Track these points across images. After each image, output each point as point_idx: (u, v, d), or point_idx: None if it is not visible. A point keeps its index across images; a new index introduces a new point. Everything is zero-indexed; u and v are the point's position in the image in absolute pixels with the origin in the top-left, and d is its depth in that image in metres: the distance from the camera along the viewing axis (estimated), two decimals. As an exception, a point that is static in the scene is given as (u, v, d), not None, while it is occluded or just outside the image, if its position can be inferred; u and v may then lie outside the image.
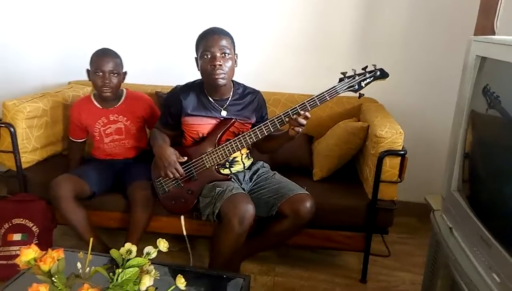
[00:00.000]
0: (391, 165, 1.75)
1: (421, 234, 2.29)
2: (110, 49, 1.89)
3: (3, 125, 1.89)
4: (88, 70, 1.89)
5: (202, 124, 1.73)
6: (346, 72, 1.60)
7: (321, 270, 2.02)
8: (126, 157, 2.00)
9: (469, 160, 1.25)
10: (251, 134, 1.65)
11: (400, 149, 1.75)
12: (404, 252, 2.18)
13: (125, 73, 1.94)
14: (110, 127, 1.94)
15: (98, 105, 1.94)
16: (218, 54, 1.60)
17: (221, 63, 1.60)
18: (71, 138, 2.01)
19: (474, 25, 1.86)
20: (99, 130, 1.94)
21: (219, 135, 1.71)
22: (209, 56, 1.61)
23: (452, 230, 1.27)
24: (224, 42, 1.61)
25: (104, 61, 1.83)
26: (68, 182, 1.76)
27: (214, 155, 1.71)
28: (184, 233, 1.81)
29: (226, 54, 1.62)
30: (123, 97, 1.97)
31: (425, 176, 2.27)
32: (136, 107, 1.96)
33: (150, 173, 1.84)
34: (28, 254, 1.02)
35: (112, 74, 1.84)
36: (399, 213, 2.02)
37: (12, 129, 1.88)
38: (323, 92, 1.59)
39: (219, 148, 1.70)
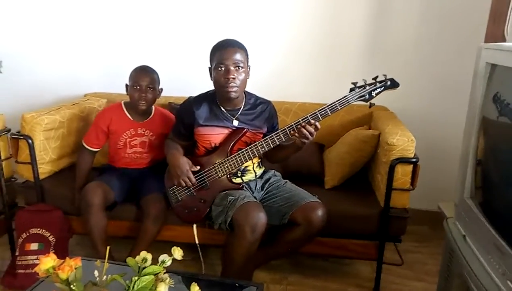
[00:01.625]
0: (403, 173, 1.75)
1: (435, 243, 2.27)
2: (149, 66, 1.98)
3: (21, 137, 1.95)
4: (126, 85, 1.96)
5: (215, 134, 1.76)
6: (357, 82, 1.62)
7: (334, 279, 2.01)
8: (142, 166, 2.04)
9: (481, 167, 1.25)
10: (262, 144, 1.67)
11: (412, 156, 1.75)
12: (417, 260, 2.16)
13: (161, 89, 2.01)
14: (136, 139, 2.00)
15: (129, 116, 2.00)
16: (232, 68, 1.63)
17: (234, 76, 1.63)
18: (86, 145, 1.99)
19: (485, 32, 1.87)
20: (125, 140, 1.99)
21: (231, 145, 1.74)
22: (223, 68, 1.64)
23: (466, 238, 1.26)
24: (238, 56, 1.64)
25: (142, 77, 1.91)
26: (100, 189, 1.81)
27: (226, 164, 1.73)
28: (197, 241, 1.82)
29: (240, 68, 1.65)
30: (152, 113, 2.03)
31: (438, 183, 2.25)
32: (162, 124, 2.02)
33: (163, 182, 1.87)
34: (47, 262, 1.05)
35: (148, 88, 1.92)
36: (412, 221, 2.00)
37: (30, 141, 1.93)
38: (334, 102, 1.60)
39: (231, 157, 1.72)
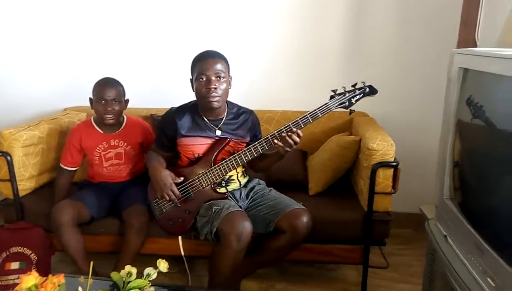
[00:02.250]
0: (384, 177, 1.78)
1: (419, 244, 2.30)
2: (112, 78, 1.94)
3: (0, 154, 1.91)
4: (90, 99, 1.93)
5: (198, 145, 1.76)
6: (337, 90, 1.65)
7: (321, 285, 2.02)
8: (122, 180, 2.01)
9: (458, 168, 1.29)
10: (246, 153, 1.68)
11: (392, 160, 1.79)
12: (402, 263, 2.19)
13: (127, 101, 1.99)
14: (110, 151, 1.97)
15: (99, 130, 1.97)
16: (213, 78, 1.64)
17: (216, 86, 1.64)
18: (62, 166, 1.98)
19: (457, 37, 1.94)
20: (99, 154, 1.96)
21: (214, 154, 1.74)
22: (204, 79, 1.65)
23: (447, 238, 1.29)
24: (219, 66, 1.66)
25: (106, 90, 1.88)
26: (69, 207, 1.77)
27: (210, 174, 1.73)
28: (182, 253, 1.81)
29: (221, 78, 1.66)
30: (124, 123, 2.01)
31: (419, 186, 2.30)
32: (135, 133, 2.00)
33: (147, 195, 1.85)
34: (29, 280, 1.03)
35: (114, 102, 1.89)
36: (396, 224, 2.04)
37: (9, 158, 1.90)
38: (315, 110, 1.63)
39: (215, 167, 1.72)
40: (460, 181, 1.28)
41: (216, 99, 1.66)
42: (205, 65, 1.65)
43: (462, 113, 1.25)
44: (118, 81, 1.95)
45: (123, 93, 1.95)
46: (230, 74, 1.74)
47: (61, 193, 1.95)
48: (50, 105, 2.56)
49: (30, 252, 1.87)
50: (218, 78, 1.65)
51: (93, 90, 1.91)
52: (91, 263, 1.11)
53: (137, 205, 1.85)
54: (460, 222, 1.20)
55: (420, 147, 2.39)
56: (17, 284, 1.78)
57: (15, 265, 1.85)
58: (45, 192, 2.09)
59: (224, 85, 1.68)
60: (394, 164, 1.78)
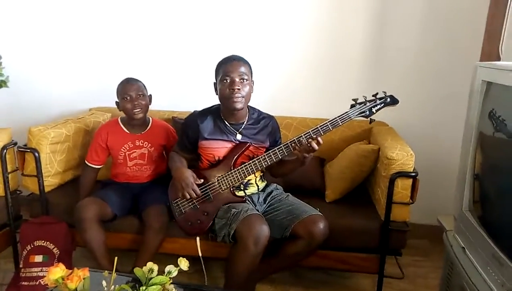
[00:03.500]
0: (402, 187, 1.78)
1: (435, 257, 2.29)
2: (132, 77, 2.02)
3: (28, 150, 1.98)
4: (117, 102, 2.01)
5: (218, 148, 1.80)
6: (357, 99, 1.67)
7: (335, 292, 2.03)
8: (143, 181, 2.06)
9: (479, 181, 1.29)
10: (265, 158, 1.71)
11: (411, 170, 1.78)
12: (418, 274, 2.18)
13: (150, 96, 2.05)
14: (135, 151, 2.03)
15: (126, 130, 2.04)
16: (237, 79, 1.68)
17: (239, 87, 1.68)
18: (88, 163, 2.05)
19: (480, 49, 1.93)
20: (124, 153, 2.02)
21: (234, 158, 1.77)
22: (228, 80, 1.69)
23: (465, 250, 1.29)
24: (243, 69, 1.70)
25: (129, 86, 1.96)
26: (93, 205, 1.83)
27: (229, 177, 1.76)
28: (200, 254, 1.84)
29: (244, 80, 1.70)
30: (149, 125, 2.07)
31: (437, 197, 2.29)
32: (159, 135, 2.06)
33: (167, 196, 1.90)
34: (56, 272, 1.07)
35: (139, 96, 1.96)
36: (413, 235, 2.03)
37: (36, 154, 1.97)
38: (335, 118, 1.65)
39: (234, 171, 1.75)
40: (480, 193, 1.28)
41: (239, 100, 1.70)
42: (229, 67, 1.70)
43: (483, 126, 1.25)
44: (137, 78, 2.02)
45: (145, 88, 2.02)
46: (253, 79, 1.78)
47: (85, 189, 2.02)
48: (76, 105, 2.64)
49: (53, 246, 1.93)
50: (242, 81, 1.69)
51: (117, 92, 1.99)
52: (115, 259, 1.15)
53: (157, 205, 1.89)
54: (479, 234, 1.20)
55: (439, 158, 2.38)
56: (40, 277, 1.88)
57: (38, 258, 1.92)
58: (69, 189, 2.16)
59: (247, 88, 1.72)
60: (413, 174, 1.78)
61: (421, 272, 2.21)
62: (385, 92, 1.67)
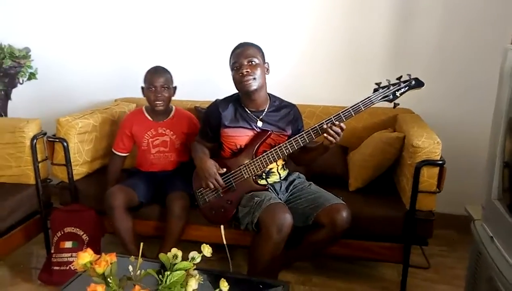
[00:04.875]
0: (429, 175, 1.74)
1: (462, 247, 2.24)
2: (161, 66, 2.05)
3: (57, 140, 2.05)
4: (142, 87, 2.05)
5: (240, 136, 1.80)
6: (381, 83, 1.63)
7: (359, 282, 2.02)
8: (167, 169, 2.10)
9: (509, 168, 1.25)
10: (287, 145, 1.71)
11: (438, 158, 1.74)
12: (444, 264, 2.14)
13: (175, 88, 2.09)
14: (157, 139, 2.07)
15: (149, 118, 2.08)
16: (245, 63, 1.70)
17: (248, 70, 1.70)
18: (115, 151, 2.11)
19: (510, 33, 1.85)
20: (147, 141, 2.07)
21: (256, 147, 1.78)
22: (237, 66, 1.71)
23: (493, 239, 1.26)
24: (249, 51, 1.72)
25: (155, 77, 1.99)
26: (121, 192, 1.89)
27: (251, 166, 1.77)
28: (224, 241, 1.86)
29: (253, 62, 1.71)
30: (172, 113, 2.11)
31: (465, 186, 2.22)
32: (182, 124, 2.09)
33: (188, 184, 1.93)
34: (85, 257, 1.11)
35: (163, 88, 1.99)
36: (439, 225, 1.99)
37: (65, 143, 2.03)
38: (357, 103, 1.62)
39: (256, 159, 1.76)
40: (510, 182, 1.24)
41: (250, 82, 1.71)
42: (237, 54, 1.73)
43: (515, 111, 1.21)
44: (166, 69, 2.05)
45: (171, 80, 2.05)
46: (266, 62, 1.77)
47: (113, 177, 2.08)
48: (102, 96, 2.71)
49: (82, 232, 2.00)
50: (251, 63, 1.71)
51: (144, 79, 2.03)
52: (141, 244, 1.18)
53: (178, 192, 1.93)
54: (508, 224, 1.16)
55: (467, 146, 2.31)
56: (70, 262, 1.95)
57: (68, 244, 1.99)
58: (97, 177, 2.22)
59: (258, 70, 1.72)
60: (440, 162, 1.73)
61: (447, 262, 2.16)
62: (409, 75, 1.63)
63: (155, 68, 2.03)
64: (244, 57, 1.71)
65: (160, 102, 2.00)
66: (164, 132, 2.07)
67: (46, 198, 2.14)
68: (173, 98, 2.10)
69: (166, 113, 2.09)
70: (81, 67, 2.75)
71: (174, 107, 2.13)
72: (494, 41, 1.94)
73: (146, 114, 2.09)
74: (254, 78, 1.71)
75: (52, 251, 2.00)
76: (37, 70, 2.76)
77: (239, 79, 1.72)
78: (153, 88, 1.98)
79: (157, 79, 1.98)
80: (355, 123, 2.22)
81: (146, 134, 2.07)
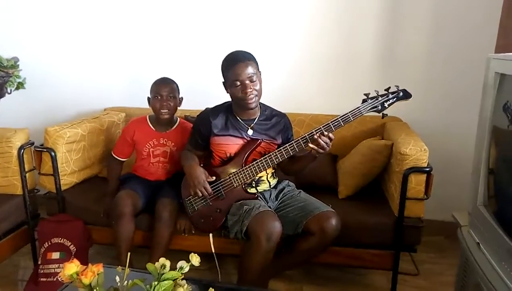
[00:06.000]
0: (416, 182, 1.76)
1: (451, 253, 2.25)
2: (167, 77, 2.07)
3: (44, 150, 2.03)
4: (148, 98, 2.06)
5: (230, 144, 1.81)
6: (369, 93, 1.65)
7: (349, 289, 2.02)
8: (161, 178, 2.10)
9: (494, 175, 1.27)
10: (276, 154, 1.71)
11: (425, 165, 1.76)
12: (433, 271, 2.15)
13: (181, 98, 2.09)
14: (158, 149, 2.08)
15: (152, 128, 2.09)
16: (247, 82, 1.69)
17: (251, 89, 1.69)
18: (114, 156, 2.10)
19: (495, 44, 1.89)
20: (148, 150, 2.07)
21: (246, 155, 1.78)
22: (239, 84, 1.70)
23: (480, 245, 1.27)
24: (250, 69, 1.70)
25: (162, 87, 2.01)
26: (131, 199, 1.88)
27: (241, 174, 1.77)
28: (213, 250, 1.85)
29: (253, 79, 1.71)
30: (175, 125, 2.11)
31: (452, 193, 2.25)
32: (184, 136, 2.08)
33: (178, 191, 1.92)
34: (71, 268, 1.09)
35: (169, 97, 2.00)
36: (428, 232, 2.00)
37: (53, 153, 2.01)
38: (347, 113, 1.64)
39: (246, 168, 1.76)
40: (495, 188, 1.26)
41: (253, 100, 1.71)
42: (237, 70, 1.69)
43: (498, 119, 1.23)
44: (172, 79, 2.07)
45: (177, 90, 2.06)
46: (259, 70, 1.77)
47: (113, 178, 2.09)
48: (92, 105, 2.69)
49: (69, 243, 1.97)
50: (252, 81, 1.70)
51: (151, 89, 2.04)
52: (129, 254, 1.17)
53: (167, 198, 1.92)
54: (494, 229, 1.18)
55: (453, 153, 2.34)
56: (57, 273, 1.92)
57: (55, 255, 1.96)
58: (85, 187, 2.20)
59: (258, 85, 1.72)
60: (427, 169, 1.75)
61: (436, 268, 2.18)
62: (397, 86, 1.65)
63: (162, 78, 2.06)
64: (246, 76, 1.68)
65: (165, 110, 2.00)
66: (165, 143, 2.07)
67: (34, 209, 2.11)
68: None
69: (169, 125, 2.10)
70: (70, 76, 2.73)
71: (179, 119, 2.14)
72: (482, 51, 1.97)
73: (150, 124, 2.09)
74: (256, 95, 1.72)
75: (39, 262, 1.97)
76: (26, 79, 2.73)
77: (242, 97, 1.70)
78: (159, 97, 1.99)
79: (164, 88, 2.00)
80: (344, 132, 2.24)
81: (148, 144, 2.07)
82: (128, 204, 1.86)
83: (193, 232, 1.91)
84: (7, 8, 2.68)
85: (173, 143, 2.07)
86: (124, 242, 1.86)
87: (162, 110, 2.00)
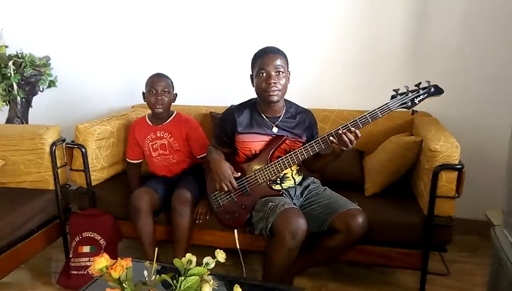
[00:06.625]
0: (447, 180, 1.71)
1: (483, 252, 2.18)
2: (162, 73, 2.11)
3: (75, 146, 2.09)
4: (143, 93, 2.10)
5: (255, 142, 1.80)
6: (399, 89, 1.61)
7: (375, 288, 1.98)
8: (175, 172, 2.13)
9: (530, 173, 1.21)
10: (302, 151, 1.70)
11: (457, 162, 1.70)
12: (464, 271, 2.09)
13: (176, 94, 2.13)
14: (156, 142, 2.11)
15: (150, 123, 2.13)
16: (273, 73, 1.68)
17: (275, 81, 1.68)
18: (127, 160, 2.17)
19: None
20: (148, 145, 2.11)
21: (271, 152, 1.77)
22: (264, 74, 1.69)
23: (515, 246, 1.22)
24: (278, 61, 1.69)
25: (156, 81, 2.05)
26: (146, 194, 1.93)
27: (266, 171, 1.76)
28: (238, 246, 1.86)
29: (280, 73, 1.69)
30: (171, 117, 2.13)
31: (485, 191, 2.17)
32: (181, 127, 2.11)
33: (197, 183, 1.96)
34: (101, 262, 1.12)
35: (163, 92, 2.04)
36: (459, 231, 1.95)
37: (83, 150, 2.07)
38: (375, 109, 1.60)
39: (271, 165, 1.75)
40: (532, 187, 1.20)
41: (275, 93, 1.69)
42: (265, 60, 1.69)
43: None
44: (167, 75, 2.10)
45: (172, 86, 2.10)
46: (289, 70, 1.76)
47: (134, 182, 2.13)
48: (120, 103, 2.76)
49: (99, 237, 2.03)
50: (278, 73, 1.69)
51: (146, 84, 2.08)
52: (156, 249, 1.19)
53: (180, 189, 1.93)
54: (530, 230, 1.13)
55: (486, 150, 2.26)
56: (88, 266, 1.98)
57: (86, 249, 2.02)
58: (115, 182, 2.25)
59: (283, 81, 1.71)
60: (459, 166, 1.69)
61: (467, 268, 2.11)
62: (428, 82, 1.60)
63: (156, 74, 2.09)
64: (273, 67, 1.68)
65: (159, 105, 2.04)
66: (162, 135, 2.10)
67: (65, 203, 2.18)
68: (188, 103, 2.11)
69: (165, 118, 2.12)
70: (99, 74, 2.80)
71: (175, 112, 2.16)
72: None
73: (148, 120, 2.14)
74: (279, 90, 1.70)
75: (71, 256, 2.03)
76: (57, 78, 2.82)
77: (264, 88, 1.70)
78: (154, 91, 2.03)
79: (158, 83, 2.04)
80: (371, 128, 2.19)
81: (146, 139, 2.11)
82: (144, 200, 1.90)
83: (208, 217, 1.91)
84: (39, 8, 2.77)
85: (169, 135, 2.09)
86: (146, 237, 1.91)
87: (156, 104, 2.04)
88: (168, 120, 2.12)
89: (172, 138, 2.10)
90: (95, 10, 2.70)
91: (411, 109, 1.61)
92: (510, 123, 1.31)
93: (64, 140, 2.14)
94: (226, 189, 1.77)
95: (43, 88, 2.81)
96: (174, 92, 2.12)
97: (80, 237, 2.03)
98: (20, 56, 2.69)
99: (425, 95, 1.60)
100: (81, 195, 2.15)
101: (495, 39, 2.19)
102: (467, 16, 2.22)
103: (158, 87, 2.03)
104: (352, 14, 2.36)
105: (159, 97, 2.03)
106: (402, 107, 1.61)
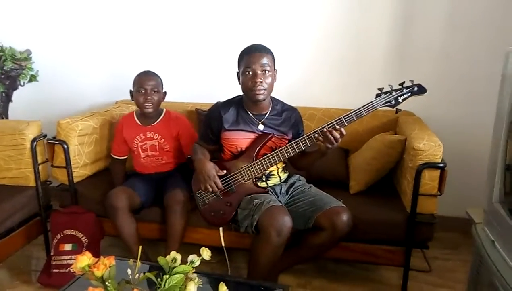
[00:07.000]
0: (430, 178, 1.74)
1: (464, 250, 2.23)
2: (151, 71, 2.04)
3: (57, 142, 2.04)
4: (131, 91, 2.04)
5: (241, 139, 1.80)
6: (383, 88, 1.62)
7: (359, 285, 2.00)
8: (163, 171, 2.10)
9: (510, 172, 1.24)
10: (288, 149, 1.70)
11: (439, 161, 1.73)
12: (446, 268, 2.13)
13: (165, 93, 2.07)
14: (146, 143, 2.06)
15: (138, 122, 2.07)
16: (259, 72, 1.67)
17: (261, 80, 1.67)
18: (113, 155, 2.13)
19: (509, 38, 1.84)
20: (137, 145, 2.07)
21: (256, 149, 1.77)
22: (250, 73, 1.68)
23: (495, 243, 1.25)
24: (265, 60, 1.68)
25: (146, 80, 1.98)
26: (124, 193, 1.89)
27: (251, 168, 1.76)
28: (223, 244, 1.86)
29: (267, 72, 1.69)
30: (161, 117, 2.09)
31: (466, 189, 2.21)
32: (171, 126, 2.06)
33: (186, 182, 1.93)
34: (83, 260, 1.10)
35: (153, 91, 1.98)
36: (441, 228, 1.98)
37: (65, 146, 2.02)
38: (360, 108, 1.61)
39: (257, 162, 1.75)
40: (512, 185, 1.23)
41: (261, 92, 1.69)
42: (251, 58, 1.68)
43: (516, 114, 1.20)
44: (156, 73, 2.04)
45: (161, 84, 2.04)
46: (275, 68, 1.76)
47: (119, 178, 2.10)
48: (103, 98, 2.71)
49: (81, 235, 1.99)
50: (264, 72, 1.68)
51: (134, 82, 2.02)
52: (140, 247, 1.17)
53: (175, 189, 1.92)
54: (510, 227, 1.15)
55: (468, 149, 2.30)
56: (69, 264, 1.94)
57: (67, 247, 1.98)
58: (98, 179, 2.22)
59: (269, 79, 1.70)
60: (441, 165, 1.72)
61: (449, 265, 2.15)
62: (412, 81, 1.62)
63: (145, 72, 2.02)
64: (259, 65, 1.67)
65: (149, 104, 1.98)
66: (152, 136, 2.06)
67: (46, 200, 2.14)
68: (174, 100, 2.09)
69: (155, 117, 2.07)
70: (82, 69, 2.75)
71: (164, 110, 2.11)
72: (497, 44, 1.93)
73: (136, 119, 2.08)
74: (265, 89, 1.69)
75: (52, 254, 1.99)
76: (38, 72, 2.76)
77: (250, 87, 1.69)
78: (143, 91, 1.97)
79: (147, 82, 1.97)
80: (356, 126, 2.21)
81: (135, 139, 2.06)
82: (122, 198, 1.86)
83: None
84: (20, 1, 2.69)
85: (160, 136, 2.05)
86: (128, 236, 1.88)
87: (146, 104, 1.97)
88: (158, 120, 2.07)
89: (163, 140, 2.06)
90: (78, 3, 2.64)
91: (395, 108, 1.63)
92: (491, 124, 1.33)
93: (45, 136, 2.10)
94: (210, 189, 1.76)
95: (24, 83, 2.74)
96: (164, 90, 2.07)
97: (62, 235, 1.99)
98: (0, 49, 2.62)
99: (409, 94, 1.62)
100: (62, 192, 2.11)
101: (479, 40, 2.23)
102: (452, 17, 2.25)
103: (147, 87, 1.97)
104: (339, 15, 2.37)
105: (149, 97, 1.97)
106: (387, 106, 1.63)
